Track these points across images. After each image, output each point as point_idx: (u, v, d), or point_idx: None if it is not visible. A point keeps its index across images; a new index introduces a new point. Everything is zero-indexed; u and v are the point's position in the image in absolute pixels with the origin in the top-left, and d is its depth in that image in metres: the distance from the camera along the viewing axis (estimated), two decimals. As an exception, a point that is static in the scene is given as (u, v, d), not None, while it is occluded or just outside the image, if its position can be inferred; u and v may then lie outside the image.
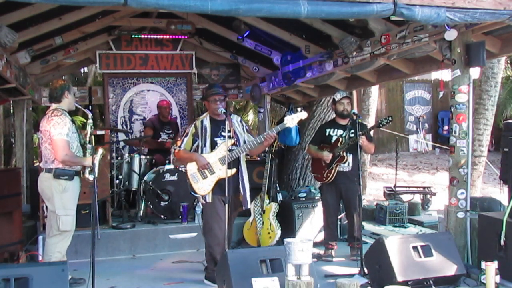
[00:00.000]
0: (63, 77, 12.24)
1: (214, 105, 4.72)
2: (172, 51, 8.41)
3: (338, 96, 5.53)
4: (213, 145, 4.72)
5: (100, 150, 4.62)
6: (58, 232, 4.54)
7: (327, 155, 5.41)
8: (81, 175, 4.63)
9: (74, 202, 4.62)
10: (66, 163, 4.47)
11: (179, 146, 4.83)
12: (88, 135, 4.62)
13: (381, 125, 5.30)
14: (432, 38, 4.73)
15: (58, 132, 4.43)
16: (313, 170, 5.77)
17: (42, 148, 4.60)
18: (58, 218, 4.51)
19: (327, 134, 5.54)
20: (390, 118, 5.25)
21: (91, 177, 4.53)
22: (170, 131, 7.78)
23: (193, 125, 4.83)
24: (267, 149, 5.56)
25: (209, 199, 4.68)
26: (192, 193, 4.79)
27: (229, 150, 4.62)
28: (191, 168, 4.72)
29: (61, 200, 4.51)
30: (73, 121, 4.66)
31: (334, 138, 5.47)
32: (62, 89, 4.65)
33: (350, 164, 5.40)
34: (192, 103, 8.99)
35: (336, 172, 5.40)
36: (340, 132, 5.48)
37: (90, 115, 4.74)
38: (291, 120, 4.54)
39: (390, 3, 3.87)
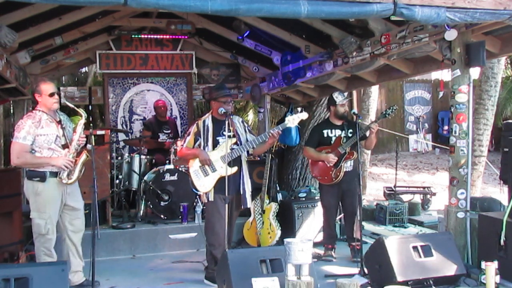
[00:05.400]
0: (63, 77, 12.28)
1: (227, 106, 4.73)
2: (172, 51, 8.40)
3: (339, 99, 5.45)
4: (215, 144, 4.75)
5: (84, 155, 4.40)
6: (35, 234, 4.34)
7: (333, 158, 5.31)
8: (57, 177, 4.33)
9: (50, 206, 4.31)
10: (20, 166, 4.29)
11: (182, 145, 4.87)
12: (77, 136, 4.38)
13: (387, 115, 5.29)
14: (432, 38, 4.73)
15: (15, 136, 4.26)
16: (315, 173, 5.57)
17: None
18: (32, 220, 4.33)
19: (326, 135, 5.48)
20: (395, 107, 5.26)
21: (64, 181, 4.30)
22: (169, 131, 7.76)
23: (195, 125, 4.85)
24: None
25: (211, 198, 4.70)
26: (194, 190, 4.80)
27: (231, 149, 4.65)
28: (194, 165, 4.74)
29: (35, 202, 4.30)
30: (59, 121, 4.40)
31: (334, 138, 5.46)
32: (32, 91, 4.53)
33: (351, 164, 5.40)
34: (192, 103, 8.99)
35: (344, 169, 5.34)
36: (338, 132, 5.45)
37: (84, 115, 4.50)
38: (292, 120, 4.56)
39: (390, 3, 3.87)
